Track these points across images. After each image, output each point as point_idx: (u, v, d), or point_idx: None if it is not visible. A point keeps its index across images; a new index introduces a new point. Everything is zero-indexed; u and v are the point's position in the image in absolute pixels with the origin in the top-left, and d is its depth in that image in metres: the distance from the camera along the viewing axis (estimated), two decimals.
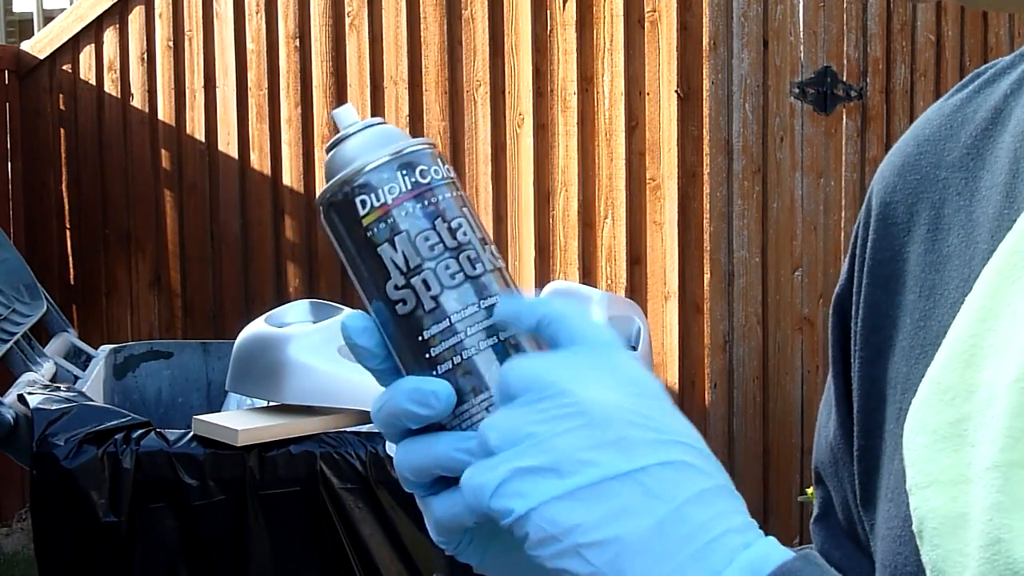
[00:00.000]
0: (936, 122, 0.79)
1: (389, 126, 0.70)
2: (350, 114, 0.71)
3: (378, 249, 0.66)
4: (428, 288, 0.65)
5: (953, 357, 0.67)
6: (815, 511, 0.88)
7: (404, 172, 0.66)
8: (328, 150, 0.69)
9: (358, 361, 0.68)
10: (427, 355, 0.66)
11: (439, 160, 0.68)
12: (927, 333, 0.72)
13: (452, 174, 0.68)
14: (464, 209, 0.67)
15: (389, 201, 0.66)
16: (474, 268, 0.66)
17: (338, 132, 0.70)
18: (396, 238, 0.66)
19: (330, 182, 0.67)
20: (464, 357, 0.65)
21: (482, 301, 0.66)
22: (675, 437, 0.64)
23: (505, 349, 0.66)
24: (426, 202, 0.66)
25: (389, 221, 0.66)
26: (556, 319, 0.66)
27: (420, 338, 0.65)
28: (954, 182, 0.75)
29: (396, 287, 0.66)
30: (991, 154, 0.74)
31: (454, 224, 0.66)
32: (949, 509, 0.64)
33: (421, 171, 0.67)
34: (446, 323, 0.65)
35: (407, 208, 0.66)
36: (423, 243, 0.66)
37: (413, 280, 0.65)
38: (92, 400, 2.99)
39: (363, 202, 0.66)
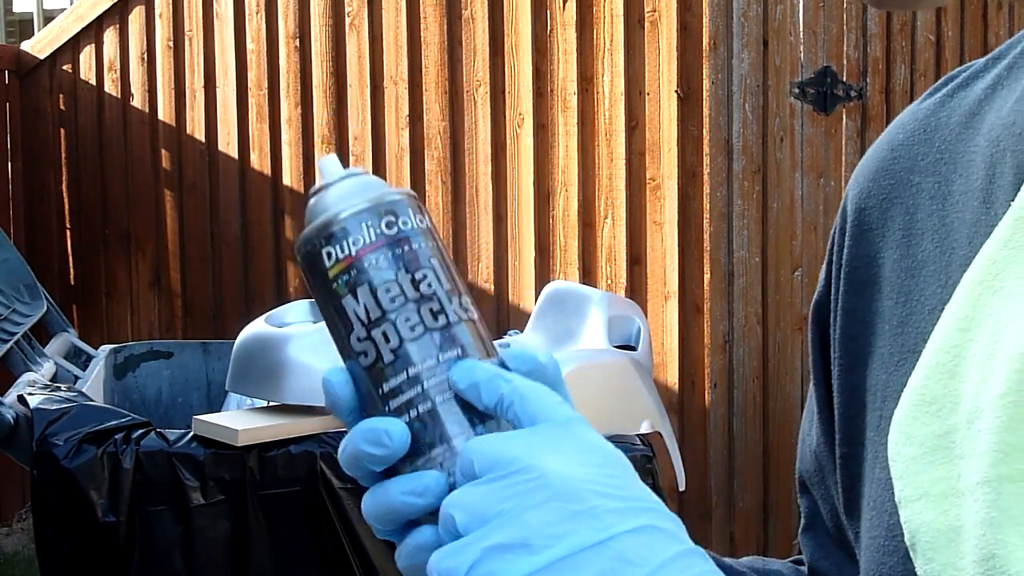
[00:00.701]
0: (910, 127, 0.79)
1: (368, 177, 0.69)
2: (332, 165, 0.70)
3: (342, 301, 0.66)
4: (387, 340, 0.65)
5: (936, 368, 0.67)
6: (802, 522, 0.88)
7: (369, 224, 0.66)
8: (308, 199, 0.69)
9: (336, 416, 0.68)
10: (387, 408, 0.65)
11: (412, 210, 0.67)
12: (905, 340, 0.72)
13: (426, 224, 0.68)
14: (433, 260, 0.67)
15: (353, 253, 0.66)
16: (436, 320, 0.65)
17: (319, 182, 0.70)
18: (358, 290, 0.65)
19: (302, 233, 0.68)
20: (421, 410, 0.65)
21: (441, 354, 0.65)
22: (642, 504, 0.63)
23: (465, 403, 0.65)
24: (390, 253, 0.66)
25: (352, 273, 0.66)
26: (516, 400, 0.64)
27: (380, 391, 0.65)
28: (927, 187, 0.75)
29: (359, 339, 0.65)
30: (964, 158, 0.73)
31: (418, 275, 0.66)
32: (941, 523, 0.64)
33: (387, 222, 0.66)
34: (404, 375, 0.65)
35: (370, 260, 0.66)
36: (384, 295, 0.65)
37: (374, 332, 0.65)
38: (92, 400, 2.99)
39: (329, 254, 0.66)
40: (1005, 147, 0.71)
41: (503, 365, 0.67)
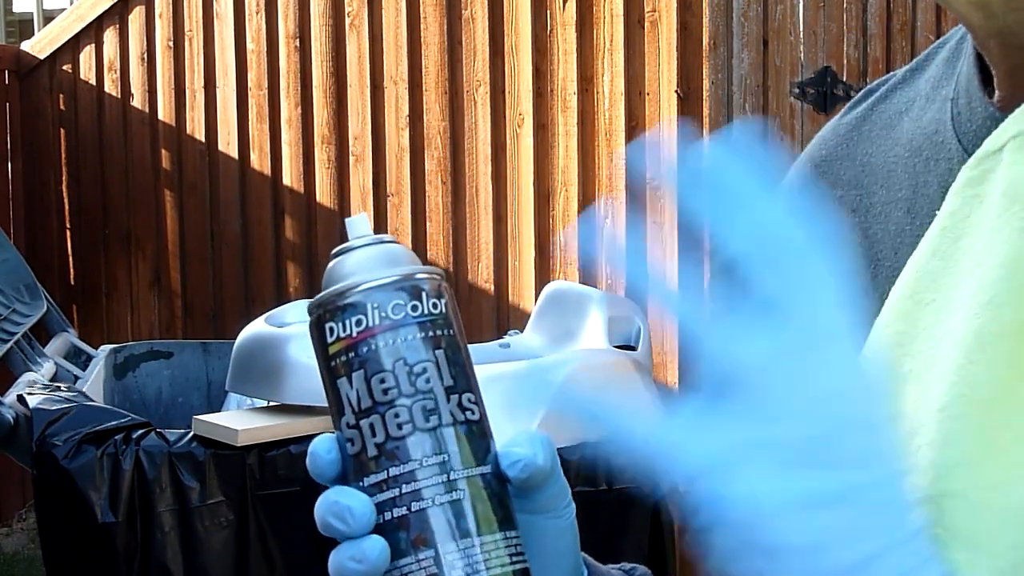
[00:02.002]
0: (832, 143, 0.79)
1: (392, 248, 0.65)
2: (360, 226, 0.66)
3: (337, 381, 0.63)
4: (374, 434, 0.61)
5: None
6: None
7: (376, 305, 0.62)
8: (330, 259, 0.66)
9: (318, 482, 0.65)
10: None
11: (427, 293, 0.63)
12: None
13: (441, 309, 0.63)
14: (438, 351, 0.62)
15: (353, 334, 0.62)
16: (427, 420, 0.61)
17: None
18: (353, 375, 0.62)
19: (315, 298, 0.64)
20: (395, 515, 0.61)
21: (426, 458, 0.61)
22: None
23: (445, 511, 0.61)
24: (391, 341, 0.62)
25: (350, 355, 0.62)
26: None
27: (362, 483, 0.62)
28: (849, 200, 0.75)
29: (347, 425, 0.62)
30: (884, 169, 0.74)
31: (417, 368, 0.62)
32: None
33: (396, 306, 0.62)
34: (385, 474, 0.61)
35: (369, 345, 0.62)
36: (378, 385, 0.62)
37: (362, 422, 0.62)
38: (92, 400, 2.99)
39: (331, 330, 0.63)
40: (928, 156, 0.71)
41: (497, 467, 0.62)
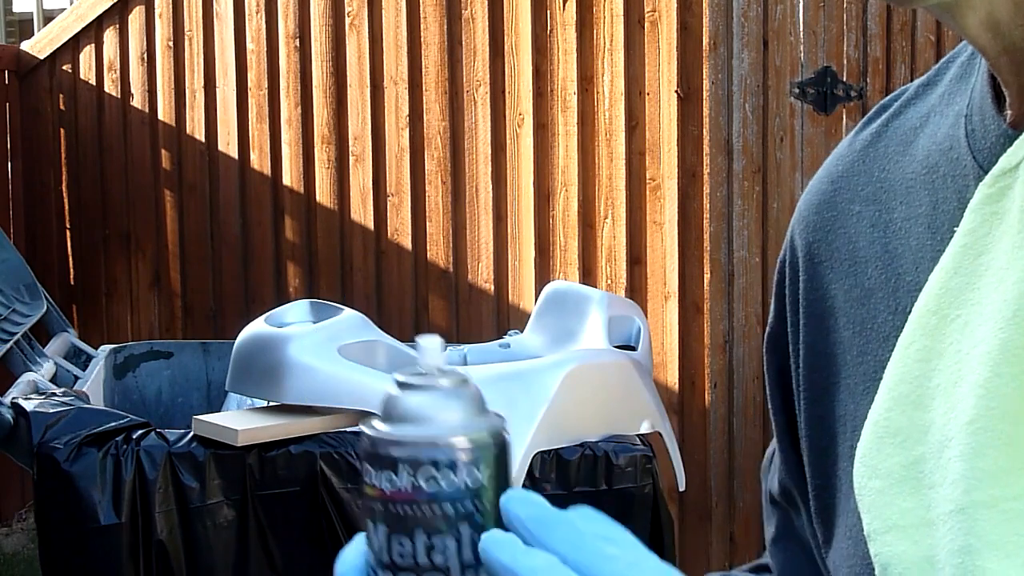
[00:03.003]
0: (848, 159, 0.80)
1: (455, 394, 0.62)
2: (430, 355, 0.63)
3: (368, 519, 0.63)
4: None
5: (898, 399, 0.67)
6: (772, 532, 0.88)
7: (409, 468, 0.61)
8: (394, 381, 0.63)
9: None
10: None
11: (467, 463, 0.61)
12: (866, 368, 0.73)
13: (474, 481, 0.61)
14: (463, 526, 0.60)
15: (385, 491, 0.61)
16: None
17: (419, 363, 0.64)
18: (378, 524, 0.62)
19: (367, 418, 0.63)
20: None
21: None
22: None
23: None
24: (412, 511, 0.61)
25: (377, 506, 0.62)
26: None
27: None
28: (868, 215, 0.76)
29: (370, 564, 0.63)
30: (903, 186, 0.75)
31: (436, 542, 0.60)
32: (914, 553, 0.64)
33: (429, 479, 0.60)
34: None
35: (393, 507, 0.61)
36: (396, 547, 0.61)
37: (380, 573, 0.62)
38: (89, 403, 2.99)
39: (367, 471, 0.62)
40: (945, 173, 0.72)
41: None
